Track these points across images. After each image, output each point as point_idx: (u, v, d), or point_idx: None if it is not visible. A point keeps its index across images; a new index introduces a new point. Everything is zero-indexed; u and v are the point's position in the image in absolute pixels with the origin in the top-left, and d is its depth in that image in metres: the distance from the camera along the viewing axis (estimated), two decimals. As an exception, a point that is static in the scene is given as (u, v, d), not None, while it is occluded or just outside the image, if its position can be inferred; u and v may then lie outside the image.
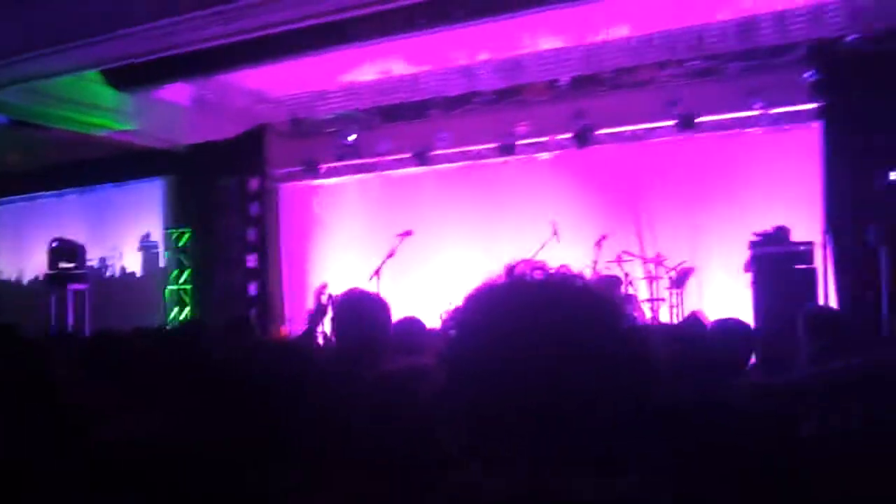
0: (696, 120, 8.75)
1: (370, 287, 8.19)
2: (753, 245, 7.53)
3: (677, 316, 8.30)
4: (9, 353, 3.08)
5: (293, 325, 10.57)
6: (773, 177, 8.32)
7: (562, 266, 1.08)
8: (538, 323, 0.98)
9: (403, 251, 8.95)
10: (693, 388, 2.34)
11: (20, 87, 8.79)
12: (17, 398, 2.57)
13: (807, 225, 7.58)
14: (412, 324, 3.97)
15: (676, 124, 8.82)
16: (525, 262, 1.09)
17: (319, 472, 1.44)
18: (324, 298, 3.87)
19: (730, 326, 4.00)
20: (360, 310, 3.18)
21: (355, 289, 3.37)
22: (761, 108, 8.48)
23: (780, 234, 7.50)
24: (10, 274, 12.61)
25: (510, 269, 1.08)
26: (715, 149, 8.89)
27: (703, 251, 8.74)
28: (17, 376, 2.71)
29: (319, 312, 3.84)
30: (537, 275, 1.06)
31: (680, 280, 8.47)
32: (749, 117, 8.62)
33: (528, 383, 0.96)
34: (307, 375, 1.71)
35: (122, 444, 1.65)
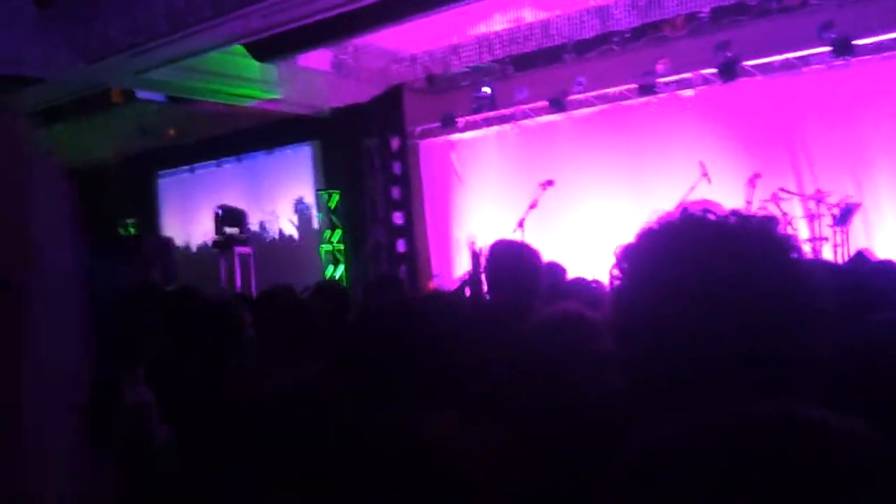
0: (854, 43, 8.08)
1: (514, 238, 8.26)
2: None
3: (842, 256, 7.84)
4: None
5: (441, 280, 10.84)
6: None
7: (730, 208, 1.03)
8: (719, 265, 0.94)
9: (546, 201, 8.92)
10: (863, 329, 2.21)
11: (172, 66, 9.36)
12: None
13: None
14: (553, 269, 3.99)
15: (832, 50, 8.19)
16: (694, 203, 1.05)
17: (477, 425, 1.43)
18: (477, 251, 3.96)
19: (887, 266, 3.76)
20: (513, 259, 3.20)
21: (502, 240, 3.39)
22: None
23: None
24: (179, 241, 13.58)
25: (681, 211, 1.03)
26: (877, 73, 8.19)
27: (870, 185, 8.15)
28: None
29: (475, 266, 3.94)
30: (709, 216, 1.01)
31: (844, 217, 7.96)
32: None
33: (713, 329, 0.92)
34: (461, 327, 1.69)
35: (279, 395, 1.68)
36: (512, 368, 1.72)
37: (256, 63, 9.75)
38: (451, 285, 10.56)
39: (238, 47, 9.32)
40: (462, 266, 11.11)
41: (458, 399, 1.49)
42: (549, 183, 9.21)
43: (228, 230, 10.93)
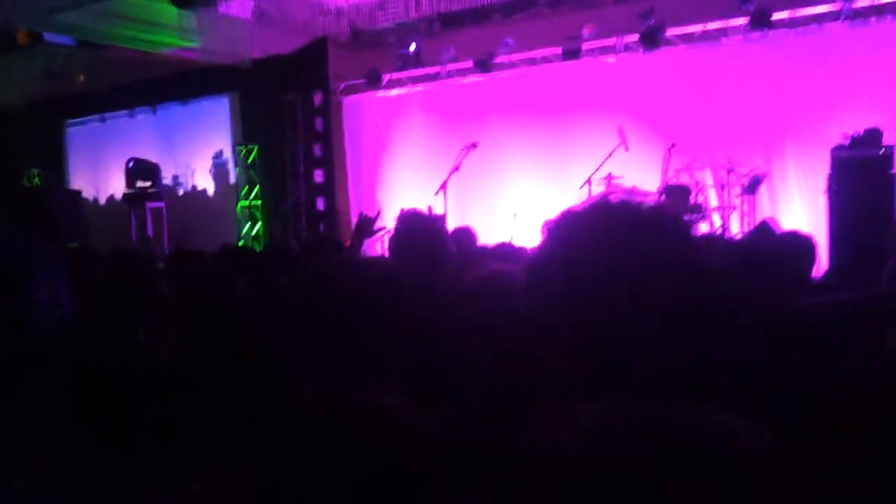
0: (772, 17, 8.28)
1: (436, 201, 8.24)
2: (834, 150, 7.19)
3: (748, 224, 8.12)
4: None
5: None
6: (857, 77, 7.88)
7: (638, 192, 1.10)
8: (627, 254, 1.01)
9: (469, 163, 8.91)
10: (762, 304, 2.29)
11: (84, 9, 8.90)
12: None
13: (891, 127, 7.18)
14: (462, 235, 4.00)
15: (750, 21, 8.38)
16: (619, 189, 1.13)
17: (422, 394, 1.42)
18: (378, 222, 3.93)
19: (792, 239, 3.91)
20: (417, 231, 3.17)
21: (406, 210, 3.36)
22: (841, 1, 7.97)
23: (872, 136, 7.04)
24: (88, 193, 13.08)
25: (602, 198, 1.11)
26: (791, 47, 8.43)
27: (778, 157, 8.44)
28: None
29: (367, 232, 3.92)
30: (625, 206, 1.08)
31: (752, 187, 8.24)
32: (829, 12, 8.13)
33: (618, 313, 1.00)
34: (399, 290, 1.67)
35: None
36: (447, 338, 1.70)
37: (174, 9, 9.36)
38: (367, 246, 10.51)
39: (154, -9, 8.93)
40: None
41: (399, 371, 1.49)
42: (473, 146, 9.19)
43: (140, 184, 10.58)
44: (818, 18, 8.22)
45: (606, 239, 1.03)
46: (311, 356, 1.54)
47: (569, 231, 1.09)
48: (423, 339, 1.59)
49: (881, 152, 6.95)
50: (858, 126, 7.13)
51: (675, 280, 1.00)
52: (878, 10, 7.95)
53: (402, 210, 3.21)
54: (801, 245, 3.77)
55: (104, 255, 3.69)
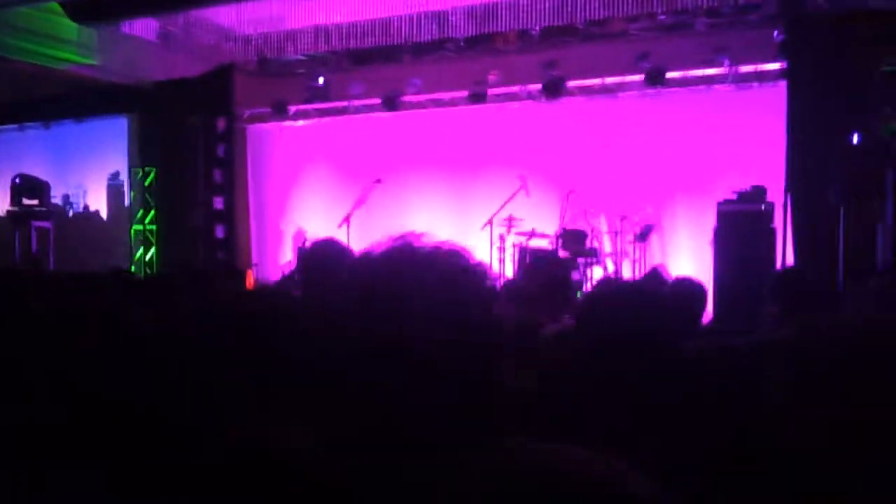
0: (667, 75, 8.78)
1: (340, 233, 8.24)
2: (720, 203, 7.68)
3: (639, 270, 8.49)
4: None
5: (261, 270, 10.59)
6: (741, 135, 8.44)
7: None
8: (406, 290, 1.07)
9: (373, 198, 8.98)
10: (650, 345, 2.41)
11: (-20, 17, 8.54)
12: None
13: (772, 185, 7.73)
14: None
15: (646, 78, 8.86)
16: (404, 234, 1.19)
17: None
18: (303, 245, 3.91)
19: (687, 284, 4.14)
20: (327, 260, 3.19)
21: (319, 240, 3.38)
22: (728, 65, 8.54)
23: (757, 193, 7.59)
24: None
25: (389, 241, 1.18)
26: (683, 105, 8.97)
27: (669, 208, 8.92)
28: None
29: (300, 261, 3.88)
30: (408, 247, 1.16)
31: (643, 235, 8.65)
32: (717, 74, 8.69)
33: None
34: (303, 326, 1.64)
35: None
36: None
37: (75, 25, 9.08)
38: (271, 275, 10.35)
39: (54, 5, 8.64)
40: (284, 257, 10.93)
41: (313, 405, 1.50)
42: (378, 181, 9.28)
43: (27, 201, 10.08)
44: (708, 80, 8.77)
45: (393, 278, 1.10)
46: (221, 389, 1.52)
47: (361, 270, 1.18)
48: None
49: (763, 207, 7.47)
50: (745, 183, 7.65)
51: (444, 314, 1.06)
52: (760, 77, 8.56)
53: (315, 241, 3.22)
54: (694, 290, 4.01)
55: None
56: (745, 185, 7.65)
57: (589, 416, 2.02)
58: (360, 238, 8.94)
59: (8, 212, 10.35)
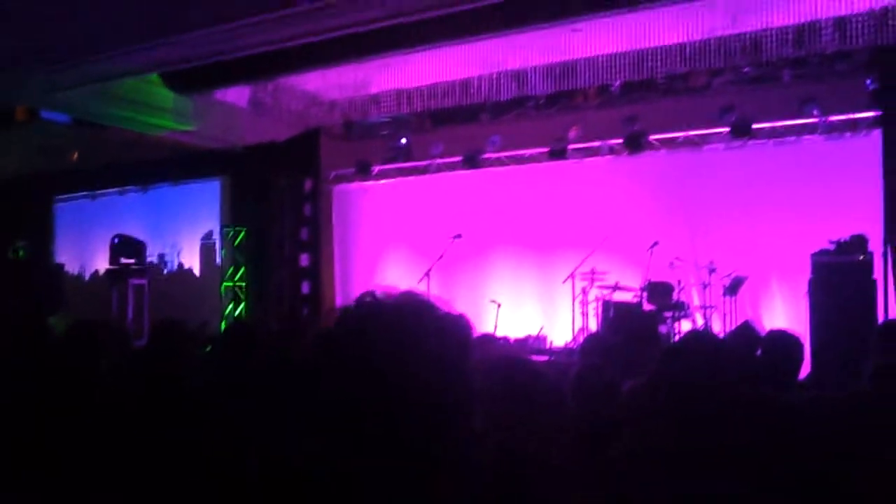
0: (752, 126, 8.61)
1: (420, 288, 8.28)
2: (814, 254, 7.36)
3: (730, 324, 8.21)
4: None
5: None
6: (833, 186, 8.16)
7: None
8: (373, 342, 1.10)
9: (453, 253, 9.02)
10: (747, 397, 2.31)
11: (83, 88, 9.08)
12: None
13: (869, 235, 7.39)
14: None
15: (731, 131, 8.70)
16: (378, 288, 1.19)
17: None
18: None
19: (782, 337, 3.97)
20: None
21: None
22: (818, 115, 8.32)
23: (857, 242, 7.21)
24: (73, 269, 13.00)
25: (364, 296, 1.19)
26: (771, 156, 8.74)
27: (759, 260, 8.60)
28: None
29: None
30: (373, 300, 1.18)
31: (733, 288, 8.37)
32: (806, 124, 8.48)
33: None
34: None
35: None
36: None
37: (171, 93, 9.58)
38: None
39: (154, 76, 9.14)
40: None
41: None
42: (458, 237, 9.34)
43: (124, 260, 10.53)
44: (796, 130, 8.56)
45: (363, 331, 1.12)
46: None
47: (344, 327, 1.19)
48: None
49: (861, 257, 7.12)
50: (838, 233, 7.34)
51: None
52: (852, 126, 8.29)
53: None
54: (789, 343, 3.84)
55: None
56: (838, 234, 7.33)
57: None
58: (440, 292, 8.96)
59: (107, 270, 10.82)
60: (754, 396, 2.27)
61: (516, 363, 2.01)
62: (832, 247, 7.26)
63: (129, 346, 4.05)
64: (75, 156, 12.09)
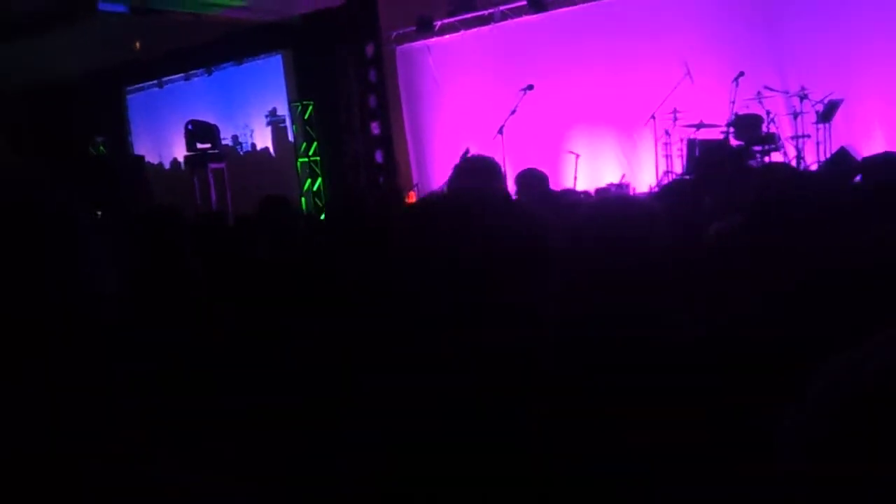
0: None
1: (495, 144, 8.09)
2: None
3: (824, 153, 7.75)
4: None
5: (421, 190, 10.68)
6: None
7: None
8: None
9: (526, 105, 8.71)
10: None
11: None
12: None
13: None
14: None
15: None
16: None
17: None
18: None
19: (882, 159, 3.66)
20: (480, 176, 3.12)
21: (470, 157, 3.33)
22: None
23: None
24: (151, 158, 13.25)
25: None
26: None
27: (854, 80, 7.96)
28: None
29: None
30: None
31: (827, 114, 7.83)
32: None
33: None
34: None
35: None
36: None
37: (221, -31, 9.30)
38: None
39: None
40: (445, 174, 10.95)
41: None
42: (530, 88, 8.97)
43: (200, 145, 10.62)
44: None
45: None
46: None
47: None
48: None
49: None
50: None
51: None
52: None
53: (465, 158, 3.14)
54: (893, 161, 3.52)
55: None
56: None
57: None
58: (516, 147, 8.74)
59: (185, 157, 10.96)
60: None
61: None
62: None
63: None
64: (138, 45, 12.03)
